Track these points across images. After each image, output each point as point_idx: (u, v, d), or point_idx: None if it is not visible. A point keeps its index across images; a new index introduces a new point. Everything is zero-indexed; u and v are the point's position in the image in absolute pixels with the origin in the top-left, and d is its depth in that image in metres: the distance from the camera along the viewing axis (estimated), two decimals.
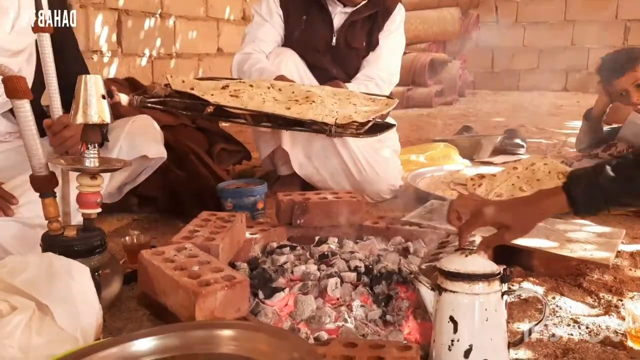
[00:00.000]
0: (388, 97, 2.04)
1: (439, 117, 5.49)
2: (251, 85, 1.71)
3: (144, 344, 0.95)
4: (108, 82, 2.64)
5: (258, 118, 1.61)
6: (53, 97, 1.57)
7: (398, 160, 2.62)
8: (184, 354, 0.95)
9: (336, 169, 2.32)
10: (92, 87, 1.36)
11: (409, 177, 2.64)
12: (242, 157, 2.72)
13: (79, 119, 1.35)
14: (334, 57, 2.39)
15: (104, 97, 1.37)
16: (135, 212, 2.26)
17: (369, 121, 1.60)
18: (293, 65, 2.31)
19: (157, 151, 2.05)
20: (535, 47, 7.75)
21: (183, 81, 1.72)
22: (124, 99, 2.62)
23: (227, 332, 0.97)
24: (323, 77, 2.39)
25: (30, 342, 1.05)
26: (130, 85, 2.74)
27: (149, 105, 1.59)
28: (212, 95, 1.59)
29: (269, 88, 1.71)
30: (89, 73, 1.88)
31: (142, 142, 2.02)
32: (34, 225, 1.63)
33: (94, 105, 1.35)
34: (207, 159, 2.30)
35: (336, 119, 1.53)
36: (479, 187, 2.44)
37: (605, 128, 2.61)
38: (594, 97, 2.72)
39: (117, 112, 2.43)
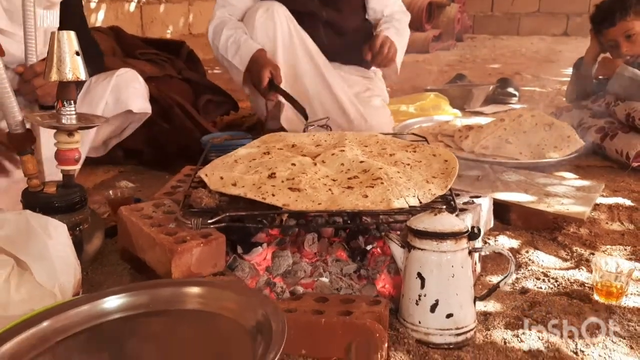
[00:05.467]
0: (421, 137, 1.80)
1: (435, 63, 5.42)
2: (293, 164, 1.46)
3: (114, 301, 0.98)
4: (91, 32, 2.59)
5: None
6: (29, 43, 1.54)
7: (388, 110, 2.61)
8: (152, 310, 0.98)
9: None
10: (65, 43, 1.35)
11: (397, 128, 2.63)
12: (229, 108, 2.70)
13: (53, 77, 1.34)
14: None
15: (77, 53, 1.36)
16: (121, 165, 2.27)
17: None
18: (285, 21, 2.22)
19: (142, 106, 2.05)
20: None
21: (221, 177, 1.41)
22: None
23: (194, 290, 1.00)
24: (313, 24, 2.31)
25: (9, 298, 1.08)
26: (115, 34, 2.69)
27: (212, 226, 1.26)
28: (273, 195, 1.32)
29: (314, 163, 1.49)
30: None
31: (128, 96, 2.01)
32: (18, 180, 1.66)
33: (68, 63, 1.34)
34: (192, 111, 2.29)
35: (420, 199, 1.32)
36: (465, 139, 2.44)
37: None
38: None
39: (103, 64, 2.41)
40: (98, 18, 3.88)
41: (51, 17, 1.73)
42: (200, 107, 2.47)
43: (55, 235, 1.19)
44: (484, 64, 5.34)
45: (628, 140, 2.21)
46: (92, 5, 3.83)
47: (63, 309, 0.94)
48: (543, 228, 1.69)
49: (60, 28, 1.62)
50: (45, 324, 0.91)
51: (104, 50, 2.50)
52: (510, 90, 3.46)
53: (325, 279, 1.33)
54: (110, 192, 1.82)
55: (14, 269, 1.13)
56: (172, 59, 2.67)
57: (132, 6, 4.20)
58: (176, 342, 0.95)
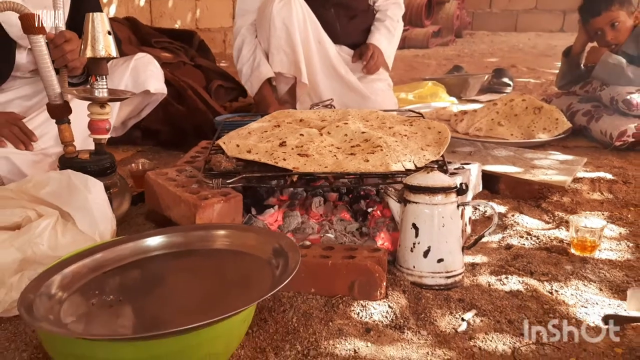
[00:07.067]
0: (418, 113, 1.98)
1: (434, 57, 5.57)
2: (302, 134, 1.64)
3: (154, 241, 1.14)
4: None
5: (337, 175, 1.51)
6: (57, 13, 1.67)
7: (393, 94, 2.79)
8: (186, 249, 1.15)
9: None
10: (98, 24, 1.51)
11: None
12: (238, 94, 2.87)
13: (88, 53, 1.50)
14: None
15: (109, 33, 1.52)
16: (139, 145, 2.44)
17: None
18: (300, 9, 2.40)
19: (159, 87, 2.21)
20: None
21: (237, 145, 1.58)
22: None
23: (221, 232, 1.16)
24: (325, 7, 2.50)
25: (57, 242, 1.24)
26: (131, 24, 2.86)
27: (231, 186, 1.44)
28: (284, 160, 1.49)
29: (321, 134, 1.67)
30: None
31: (145, 78, 2.17)
32: (50, 154, 1.83)
33: (101, 41, 1.50)
34: (204, 95, 2.45)
35: (415, 164, 1.49)
36: (460, 122, 2.60)
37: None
38: None
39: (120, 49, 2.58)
40: (110, 12, 4.04)
41: None
42: (212, 91, 2.64)
43: (94, 190, 1.35)
44: (482, 57, 5.49)
45: (612, 121, 2.37)
46: None
47: (111, 245, 1.11)
48: (529, 197, 1.85)
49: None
50: (98, 255, 1.07)
51: (120, 39, 2.67)
52: (505, 80, 3.62)
53: (330, 235, 1.49)
54: (132, 165, 1.98)
55: (59, 219, 1.30)
56: (185, 47, 2.84)
57: (142, 0, 4.37)
58: (207, 273, 1.11)
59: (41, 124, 1.84)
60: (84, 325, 0.93)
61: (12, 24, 1.73)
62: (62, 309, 0.95)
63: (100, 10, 2.05)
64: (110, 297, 1.00)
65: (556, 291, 1.30)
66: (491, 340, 1.12)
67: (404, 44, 6.24)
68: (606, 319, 1.16)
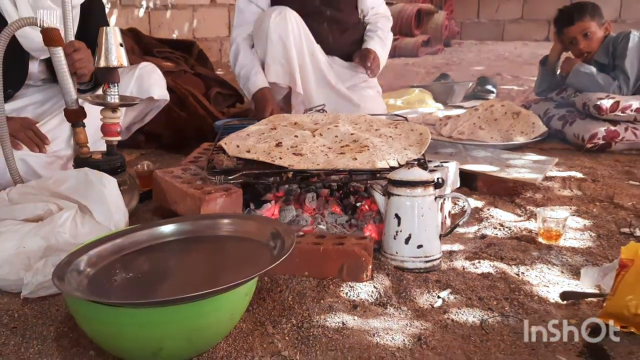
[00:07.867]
0: (403, 117, 2.14)
1: (423, 65, 5.76)
2: (296, 136, 1.79)
3: (167, 228, 1.30)
4: None
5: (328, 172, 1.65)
6: (67, 24, 1.80)
7: (382, 100, 2.95)
8: (195, 235, 1.30)
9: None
10: (111, 36, 1.67)
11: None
12: (235, 100, 3.03)
13: (102, 63, 1.66)
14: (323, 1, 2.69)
15: (121, 45, 1.68)
16: (142, 148, 2.59)
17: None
18: (295, 23, 2.55)
19: (161, 93, 2.36)
20: None
21: (238, 145, 1.73)
22: None
23: (225, 220, 1.32)
24: (319, 22, 2.67)
25: (77, 231, 1.40)
26: (133, 35, 3.01)
27: (232, 182, 1.59)
28: (280, 159, 1.64)
29: (313, 135, 1.83)
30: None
31: (149, 85, 2.33)
32: (62, 156, 1.97)
33: (113, 52, 1.66)
34: (204, 101, 2.61)
35: (398, 162, 1.64)
36: (444, 126, 2.77)
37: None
38: None
39: None
40: (110, 23, 4.20)
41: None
42: (211, 98, 2.79)
43: (108, 186, 1.50)
44: (469, 66, 5.69)
45: (584, 125, 2.55)
46: (105, 10, 4.16)
47: (129, 232, 1.26)
48: (504, 193, 2.01)
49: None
50: (118, 240, 1.23)
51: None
52: (489, 87, 3.80)
53: (322, 227, 1.64)
54: (138, 166, 2.13)
55: (78, 211, 1.45)
56: (185, 56, 3.00)
57: (142, 12, 4.54)
58: (213, 255, 1.27)
59: (53, 128, 1.99)
60: (107, 295, 1.08)
61: (26, 37, 1.88)
62: (88, 283, 1.10)
63: (107, 24, 2.22)
64: (130, 275, 1.15)
65: (522, 273, 1.46)
66: (463, 314, 1.28)
67: (394, 53, 6.44)
68: (563, 295, 1.32)
